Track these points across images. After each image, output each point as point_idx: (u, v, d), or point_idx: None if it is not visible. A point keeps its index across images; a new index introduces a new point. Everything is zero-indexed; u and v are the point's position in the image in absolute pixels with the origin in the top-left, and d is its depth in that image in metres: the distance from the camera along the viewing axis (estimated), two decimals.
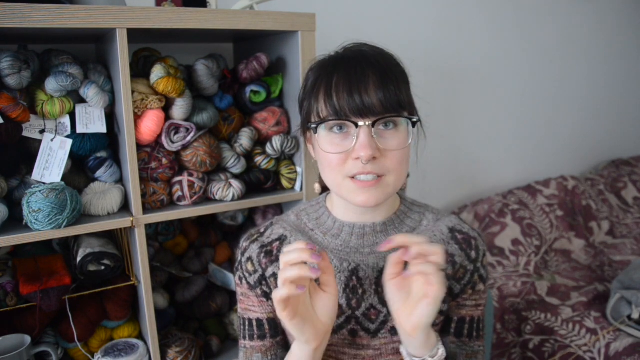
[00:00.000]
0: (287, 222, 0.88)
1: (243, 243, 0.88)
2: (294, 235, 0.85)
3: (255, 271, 0.84)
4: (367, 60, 0.74)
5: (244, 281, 0.85)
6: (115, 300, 1.20)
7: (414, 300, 0.69)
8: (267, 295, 0.84)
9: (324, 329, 0.73)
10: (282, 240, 0.85)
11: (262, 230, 0.88)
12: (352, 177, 0.74)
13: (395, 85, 0.73)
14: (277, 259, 0.83)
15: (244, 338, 0.87)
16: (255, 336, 0.85)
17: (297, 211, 0.90)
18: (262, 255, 0.84)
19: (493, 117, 2.32)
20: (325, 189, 0.92)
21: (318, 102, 0.75)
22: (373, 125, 0.71)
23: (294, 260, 0.66)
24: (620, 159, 2.78)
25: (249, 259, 0.85)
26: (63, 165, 1.06)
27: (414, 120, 0.75)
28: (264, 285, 0.84)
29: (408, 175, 0.83)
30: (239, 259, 0.87)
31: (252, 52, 1.28)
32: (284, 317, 0.67)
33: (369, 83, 0.71)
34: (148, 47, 1.24)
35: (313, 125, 0.76)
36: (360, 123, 0.71)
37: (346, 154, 0.73)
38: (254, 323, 0.85)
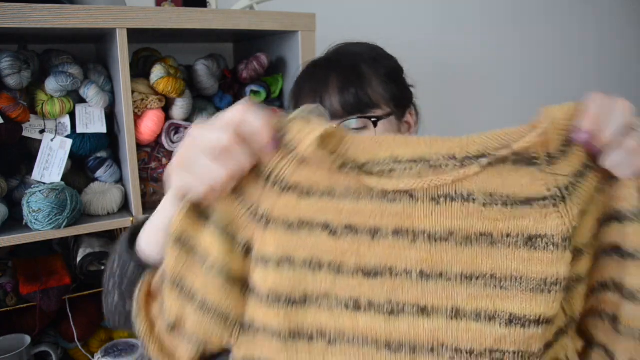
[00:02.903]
0: None
1: None
2: None
3: None
4: (333, 62, 0.74)
5: None
6: None
7: None
8: None
9: None
10: None
11: None
12: None
13: (356, 85, 0.71)
14: None
15: None
16: None
17: None
18: None
19: (492, 118, 2.31)
20: None
21: (292, 107, 0.76)
22: None
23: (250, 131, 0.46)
24: None
25: None
26: (63, 165, 1.06)
27: (373, 119, 0.71)
28: None
29: None
30: None
31: (252, 52, 1.28)
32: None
33: (329, 87, 0.70)
34: (148, 47, 1.24)
35: None
36: None
37: None
38: None
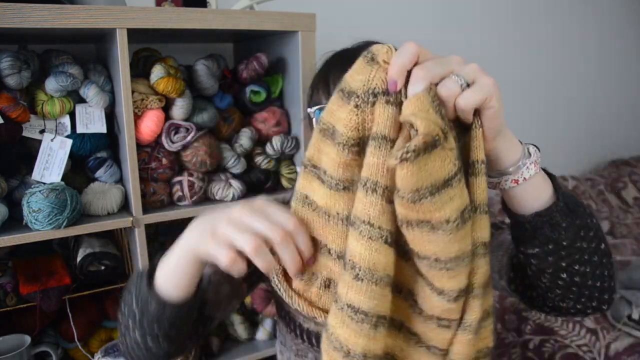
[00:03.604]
0: None
1: None
2: None
3: None
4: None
5: None
6: (115, 300, 1.20)
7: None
8: None
9: None
10: None
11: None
12: None
13: None
14: None
15: None
16: None
17: None
18: None
19: None
20: None
21: (318, 93, 0.79)
22: None
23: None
24: (620, 159, 2.78)
25: None
26: (63, 165, 1.06)
27: None
28: None
29: None
30: None
31: (252, 52, 1.28)
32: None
33: None
34: (148, 47, 1.24)
35: (310, 110, 0.79)
36: None
37: None
38: None
